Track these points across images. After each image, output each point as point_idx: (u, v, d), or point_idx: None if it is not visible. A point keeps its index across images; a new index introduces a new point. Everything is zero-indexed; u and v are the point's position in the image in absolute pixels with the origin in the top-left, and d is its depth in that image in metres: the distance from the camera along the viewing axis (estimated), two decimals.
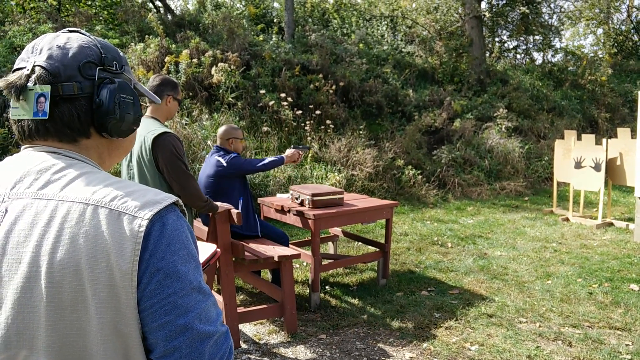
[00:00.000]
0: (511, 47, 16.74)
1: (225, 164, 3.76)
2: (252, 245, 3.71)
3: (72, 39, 0.92)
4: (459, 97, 10.64)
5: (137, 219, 0.81)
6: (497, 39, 16.41)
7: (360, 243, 5.51)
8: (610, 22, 20.63)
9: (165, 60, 8.08)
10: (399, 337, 3.49)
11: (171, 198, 0.86)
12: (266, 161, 3.91)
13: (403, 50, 12.64)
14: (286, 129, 8.14)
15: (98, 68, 0.91)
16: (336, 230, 5.11)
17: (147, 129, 2.81)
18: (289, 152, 4.10)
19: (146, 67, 8.13)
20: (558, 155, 7.52)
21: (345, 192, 4.95)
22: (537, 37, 16.41)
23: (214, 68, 8.19)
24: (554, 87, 13.40)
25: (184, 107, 7.65)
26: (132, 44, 8.63)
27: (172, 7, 11.72)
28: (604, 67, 15.51)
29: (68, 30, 0.96)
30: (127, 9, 9.92)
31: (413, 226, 6.59)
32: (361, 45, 11.37)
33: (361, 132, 8.50)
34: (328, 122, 8.40)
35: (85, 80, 0.89)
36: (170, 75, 7.97)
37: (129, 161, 2.93)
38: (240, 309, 3.45)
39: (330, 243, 5.14)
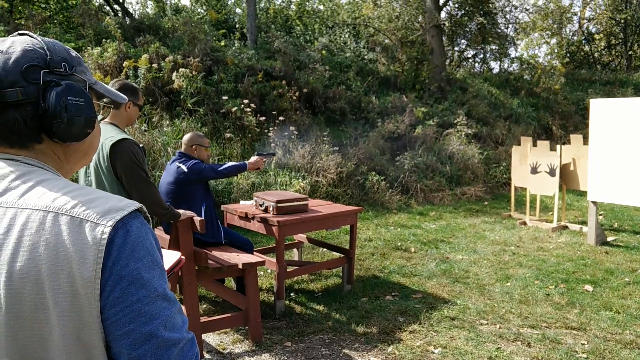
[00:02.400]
0: (470, 55, 17.23)
1: (186, 170, 3.69)
2: (216, 253, 3.64)
3: (17, 43, 0.88)
4: (420, 104, 10.84)
5: (100, 226, 0.79)
6: (456, 48, 16.86)
7: (324, 249, 5.51)
8: (562, 32, 21.53)
9: (124, 64, 7.89)
10: (364, 343, 3.49)
11: (135, 205, 0.84)
12: (227, 165, 3.83)
13: (366, 57, 12.79)
14: (249, 135, 8.08)
15: (43, 71, 0.87)
16: (301, 237, 5.09)
17: (105, 136, 2.72)
18: (252, 159, 4.05)
19: (103, 71, 7.91)
20: (515, 161, 7.75)
21: (310, 199, 4.94)
22: (493, 47, 16.98)
23: (174, 73, 8.05)
24: (510, 95, 13.84)
25: (144, 113, 7.48)
26: (89, 47, 8.39)
27: (131, 10, 11.47)
28: (557, 76, 16.16)
29: (18, 34, 0.92)
30: (84, 12, 9.64)
31: (377, 232, 6.64)
32: (324, 52, 11.44)
33: (325, 138, 8.52)
34: (292, 128, 8.39)
35: (29, 85, 0.86)
36: (129, 80, 7.78)
37: (87, 168, 2.83)
38: (203, 319, 3.38)
39: (294, 250, 5.11)
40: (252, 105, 8.29)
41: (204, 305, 4.19)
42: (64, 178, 0.91)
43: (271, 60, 9.89)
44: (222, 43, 10.07)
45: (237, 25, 11.87)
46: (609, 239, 6.46)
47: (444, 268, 5.15)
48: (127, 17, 10.92)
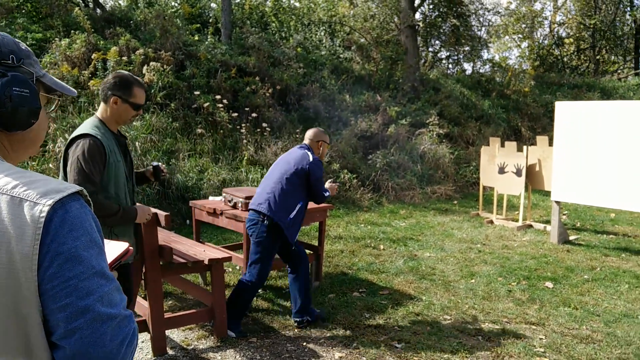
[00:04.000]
0: (443, 57, 17.46)
1: (309, 164, 3.63)
2: (182, 249, 3.62)
3: None
4: (394, 104, 10.94)
5: (39, 205, 0.82)
6: (430, 49, 17.05)
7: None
8: (534, 36, 22.01)
9: (92, 57, 7.73)
10: (329, 338, 3.52)
11: (75, 187, 0.88)
12: (327, 195, 3.78)
13: (341, 56, 12.83)
14: (221, 131, 8.02)
15: None
16: None
17: (77, 129, 2.59)
18: (329, 185, 3.91)
19: (71, 63, 7.74)
20: (484, 161, 7.91)
21: None
22: (466, 48, 17.24)
23: (145, 67, 7.93)
24: (482, 96, 14.09)
25: None
26: (57, 39, 8.18)
27: (102, 2, 11.24)
28: (527, 79, 16.53)
29: None
30: (52, 2, 9.40)
31: (347, 229, 6.69)
32: (299, 49, 11.44)
33: (298, 135, 8.53)
34: (264, 125, 8.37)
35: None
36: (97, 72, 7.63)
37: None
38: (167, 314, 3.36)
39: None
40: (225, 101, 8.24)
41: (170, 302, 4.16)
42: (8, 163, 0.94)
43: (245, 56, 9.84)
44: (196, 37, 9.96)
45: (211, 20, 11.76)
46: (571, 237, 6.65)
47: (411, 265, 5.22)
48: (97, 9, 10.69)
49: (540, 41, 22.21)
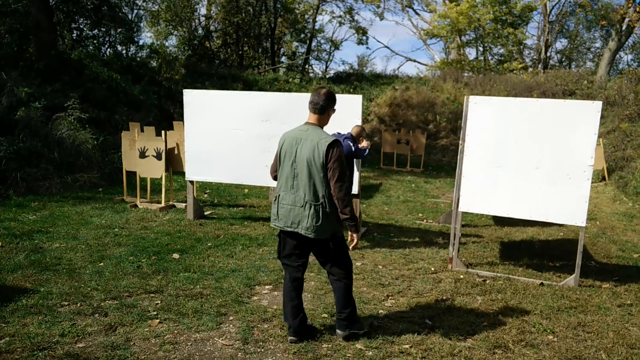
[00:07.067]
0: (90, 35, 16.42)
1: (352, 149, 5.70)
2: None
3: None
4: (24, 84, 9.70)
5: None
6: (74, 25, 15.76)
7: None
8: (187, 27, 23.06)
9: None
10: None
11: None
12: (366, 152, 5.89)
13: None
14: None
15: None
16: None
17: (319, 136, 3.26)
18: (365, 144, 5.96)
19: None
20: (125, 146, 7.94)
21: None
22: (120, 30, 16.65)
23: None
24: (132, 81, 14.00)
25: None
26: None
27: None
28: (177, 67, 17.29)
29: None
30: None
31: None
32: None
33: None
34: None
35: None
36: None
37: (293, 161, 3.29)
38: None
39: None
40: None
41: None
42: None
43: None
44: None
45: None
46: (207, 212, 7.45)
47: (34, 258, 4.85)
48: None
49: (192, 32, 23.46)
